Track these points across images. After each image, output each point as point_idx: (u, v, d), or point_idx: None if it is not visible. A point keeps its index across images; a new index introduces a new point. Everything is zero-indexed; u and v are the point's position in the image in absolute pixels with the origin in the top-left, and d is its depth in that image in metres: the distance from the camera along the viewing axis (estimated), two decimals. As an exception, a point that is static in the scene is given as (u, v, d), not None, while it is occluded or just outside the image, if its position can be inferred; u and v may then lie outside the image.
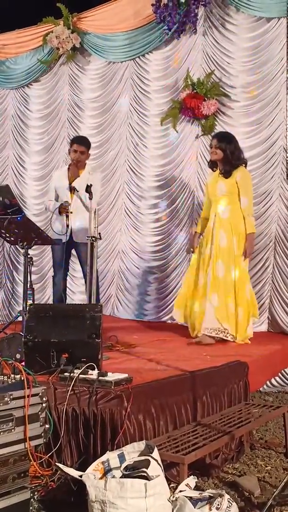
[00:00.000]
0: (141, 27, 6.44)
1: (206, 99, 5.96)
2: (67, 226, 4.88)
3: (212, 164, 5.03)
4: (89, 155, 5.34)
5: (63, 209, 4.97)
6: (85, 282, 4.43)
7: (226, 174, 4.84)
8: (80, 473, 2.39)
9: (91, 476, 2.30)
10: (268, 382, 4.63)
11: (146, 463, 2.29)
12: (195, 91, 6.02)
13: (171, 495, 2.30)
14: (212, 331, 4.70)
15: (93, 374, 2.92)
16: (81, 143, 5.25)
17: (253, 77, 5.80)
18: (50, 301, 6.45)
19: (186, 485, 2.43)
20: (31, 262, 4.19)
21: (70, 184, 5.11)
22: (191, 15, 5.98)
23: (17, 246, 4.44)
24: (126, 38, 6.59)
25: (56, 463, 2.61)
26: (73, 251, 5.27)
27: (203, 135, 6.11)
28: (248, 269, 4.99)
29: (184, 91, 6.09)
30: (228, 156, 4.82)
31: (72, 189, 5.03)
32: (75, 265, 6.01)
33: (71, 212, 4.93)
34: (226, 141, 4.84)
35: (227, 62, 5.97)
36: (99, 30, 6.82)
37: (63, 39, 6.88)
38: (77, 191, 5.01)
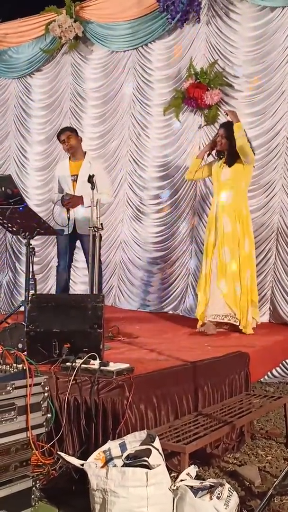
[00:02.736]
0: (144, 16, 6.40)
1: (209, 89, 5.93)
2: (68, 219, 4.86)
3: (219, 153, 5.01)
4: (80, 138, 5.21)
5: (65, 203, 4.89)
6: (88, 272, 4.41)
7: (230, 163, 4.84)
8: (81, 462, 2.40)
9: (92, 465, 2.31)
10: (269, 373, 4.64)
11: (148, 452, 2.30)
12: (198, 81, 5.99)
13: (172, 484, 2.31)
14: (224, 317, 4.71)
15: (95, 364, 2.94)
16: (62, 131, 5.21)
17: (257, 67, 5.76)
18: (52, 291, 6.46)
19: (187, 474, 2.44)
20: (33, 252, 4.19)
21: (71, 175, 5.08)
22: (194, 3, 5.94)
23: (19, 236, 4.43)
24: (129, 27, 6.55)
25: (58, 452, 2.63)
26: (78, 243, 5.24)
27: (206, 125, 6.08)
28: (254, 255, 4.99)
29: (187, 80, 6.06)
30: (233, 146, 4.78)
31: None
32: (77, 256, 6.00)
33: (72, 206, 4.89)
34: (232, 130, 4.79)
35: (231, 51, 5.94)
36: (102, 19, 6.78)
37: (66, 28, 6.83)
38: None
